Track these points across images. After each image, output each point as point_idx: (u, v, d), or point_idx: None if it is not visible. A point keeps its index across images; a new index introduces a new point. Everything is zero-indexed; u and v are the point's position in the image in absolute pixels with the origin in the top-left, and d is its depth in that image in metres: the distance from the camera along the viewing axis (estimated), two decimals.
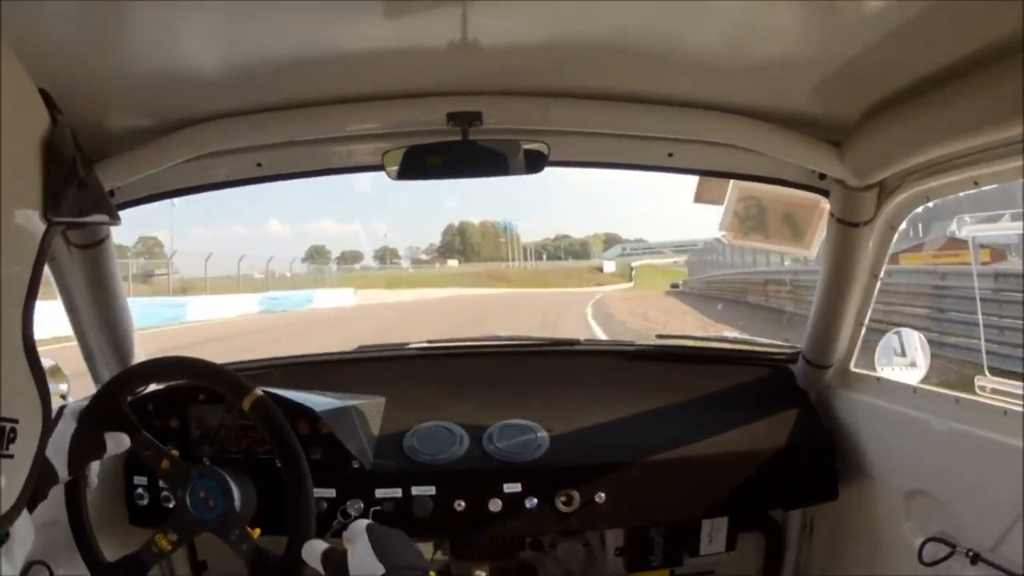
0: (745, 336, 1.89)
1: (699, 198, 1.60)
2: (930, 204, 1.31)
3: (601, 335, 11.53)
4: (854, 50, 0.96)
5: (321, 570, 0.89)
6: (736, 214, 1.53)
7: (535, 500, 1.41)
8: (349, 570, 0.85)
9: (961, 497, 1.22)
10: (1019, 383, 1.24)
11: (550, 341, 1.83)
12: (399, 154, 1.29)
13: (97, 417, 1.08)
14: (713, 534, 1.64)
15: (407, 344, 1.82)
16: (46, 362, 1.33)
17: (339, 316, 18.58)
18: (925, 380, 1.48)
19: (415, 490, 1.41)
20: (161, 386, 1.49)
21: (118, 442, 1.08)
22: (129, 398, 1.46)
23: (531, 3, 0.90)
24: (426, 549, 1.71)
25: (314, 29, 0.95)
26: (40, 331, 0.63)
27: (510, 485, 1.42)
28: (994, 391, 1.27)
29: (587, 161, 1.43)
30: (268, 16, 0.90)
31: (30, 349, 0.61)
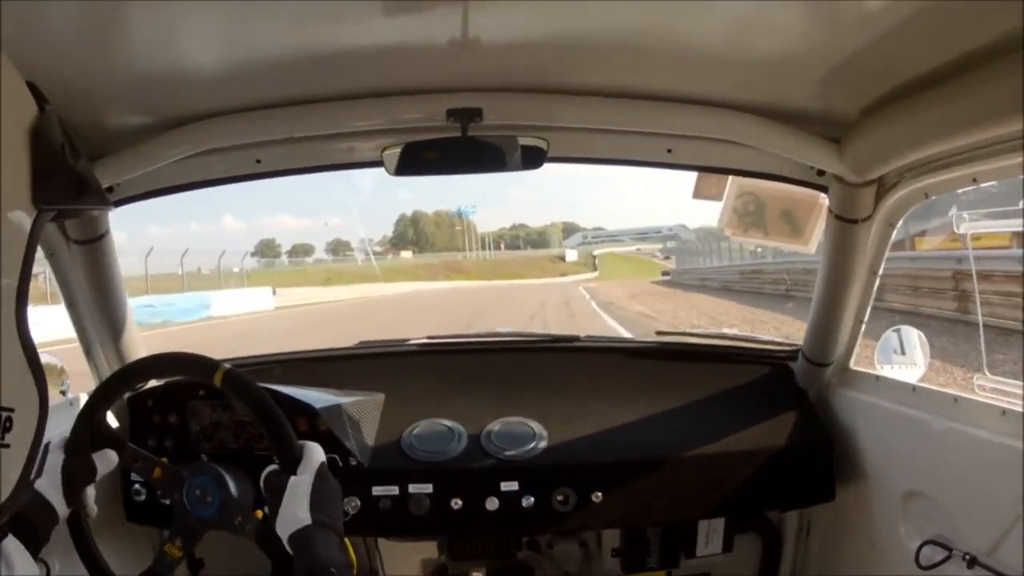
0: (746, 333, 1.88)
1: (698, 194, 1.60)
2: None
3: None
4: (854, 46, 0.96)
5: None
6: (735, 210, 1.53)
7: (532, 499, 1.41)
8: (280, 508, 0.93)
9: (958, 499, 1.22)
10: (1018, 382, 1.24)
11: (551, 338, 1.83)
12: (399, 150, 1.30)
13: (82, 441, 1.07)
14: (710, 535, 1.63)
15: (407, 340, 1.82)
16: (48, 360, 1.34)
17: (219, 336, 13.08)
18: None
19: (412, 488, 1.41)
20: (159, 384, 1.49)
21: (107, 460, 1.08)
22: (128, 395, 1.47)
23: (531, 1, 0.90)
24: (424, 548, 1.71)
25: (314, 26, 0.95)
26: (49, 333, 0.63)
27: (507, 484, 1.41)
28: (993, 390, 1.27)
29: (586, 157, 1.43)
30: (267, 13, 0.90)
31: (24, 337, 0.61)
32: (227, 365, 1.02)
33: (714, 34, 0.99)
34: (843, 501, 1.50)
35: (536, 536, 1.68)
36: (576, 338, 1.81)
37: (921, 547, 1.27)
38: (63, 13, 0.83)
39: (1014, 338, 6.44)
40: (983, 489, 1.16)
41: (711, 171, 1.52)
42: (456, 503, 1.41)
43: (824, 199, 1.42)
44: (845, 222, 1.36)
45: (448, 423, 1.51)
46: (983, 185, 1.15)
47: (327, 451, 1.37)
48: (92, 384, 1.48)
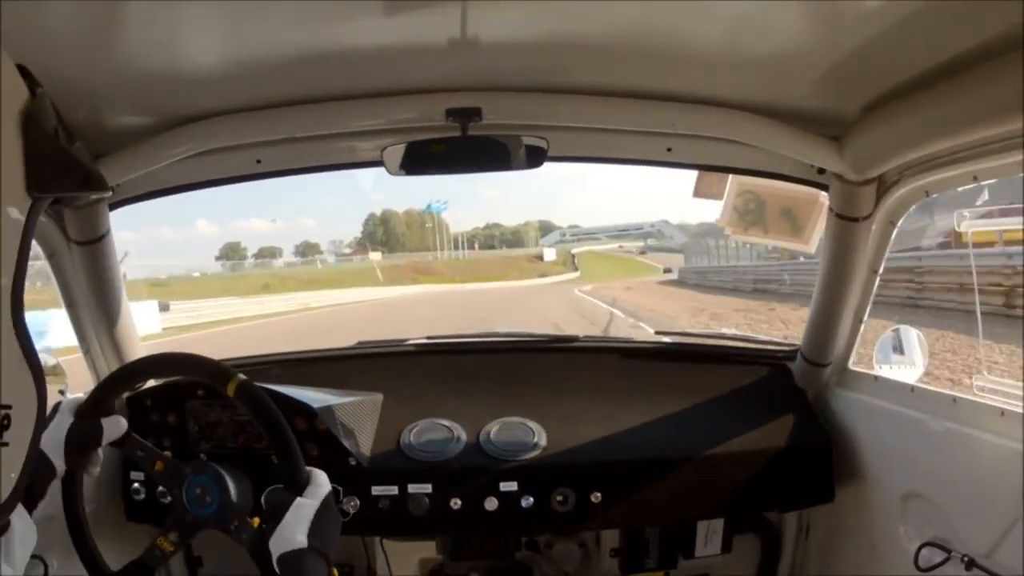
0: (744, 333, 1.88)
1: (698, 193, 1.60)
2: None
3: None
4: (853, 45, 0.96)
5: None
6: (735, 209, 1.53)
7: (531, 499, 1.41)
8: (279, 526, 0.93)
9: (957, 500, 1.21)
10: (1017, 382, 1.24)
11: (550, 338, 1.83)
12: (399, 150, 1.30)
13: (95, 407, 1.08)
14: (709, 536, 1.63)
15: (406, 340, 1.82)
16: (45, 359, 1.34)
17: None
18: None
19: (411, 488, 1.41)
20: (159, 383, 1.49)
21: (116, 427, 1.08)
22: (127, 394, 1.47)
23: (530, 0, 0.90)
24: (423, 548, 1.71)
25: (314, 26, 0.96)
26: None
27: (507, 484, 1.41)
28: (992, 390, 1.26)
29: (586, 156, 1.43)
30: (268, 13, 0.90)
31: (21, 333, 0.60)
32: (242, 376, 1.02)
33: (714, 33, 0.99)
34: (842, 502, 1.50)
35: (535, 536, 1.68)
36: (575, 338, 1.81)
37: (920, 548, 1.27)
38: (63, 13, 0.83)
39: None
40: (982, 490, 1.16)
41: (711, 170, 1.52)
42: (455, 503, 1.40)
43: (824, 197, 1.42)
44: (846, 220, 1.36)
45: (447, 423, 1.51)
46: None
47: (325, 450, 1.39)
48: (92, 385, 1.48)
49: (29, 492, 0.94)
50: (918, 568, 1.26)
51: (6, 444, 0.57)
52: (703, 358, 1.75)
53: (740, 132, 1.27)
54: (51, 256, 1.38)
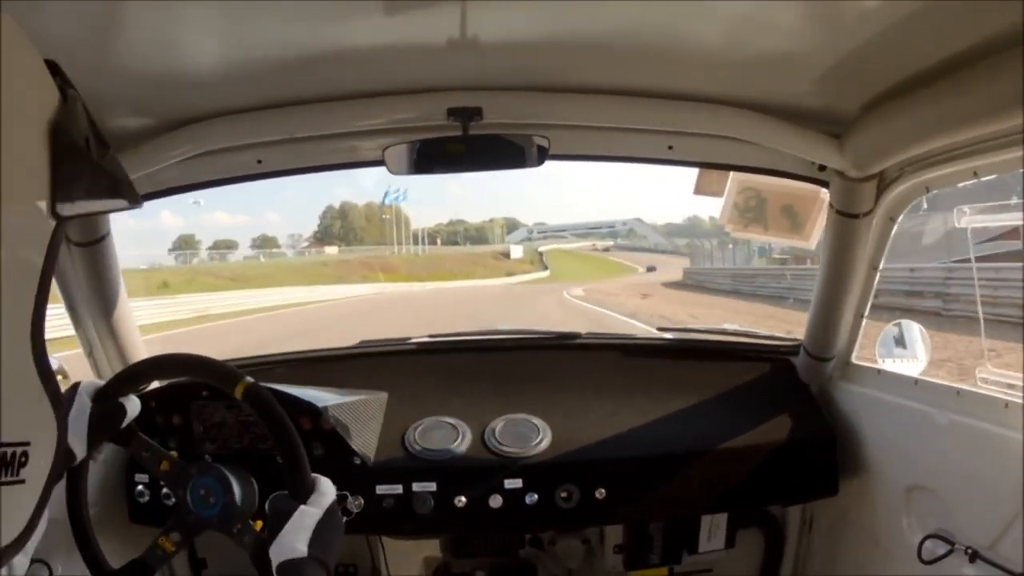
0: (746, 328, 1.88)
1: (699, 190, 1.60)
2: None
3: None
4: (854, 43, 0.96)
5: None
6: (736, 206, 1.53)
7: (536, 496, 1.42)
8: (280, 532, 0.91)
9: (961, 492, 1.22)
10: (1019, 374, 1.24)
11: (552, 335, 1.83)
12: (400, 149, 1.30)
13: (114, 391, 1.07)
14: (712, 531, 1.64)
15: (409, 339, 1.82)
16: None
17: None
18: None
19: (416, 486, 1.41)
20: (163, 384, 1.49)
21: (135, 407, 1.07)
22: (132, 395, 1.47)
23: (530, 0, 0.90)
24: (426, 546, 1.71)
25: (315, 26, 0.95)
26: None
27: (511, 481, 1.42)
28: (996, 382, 1.27)
29: (587, 155, 1.44)
30: (269, 14, 0.90)
31: (41, 364, 0.55)
32: (250, 379, 1.02)
33: (714, 32, 0.99)
34: (846, 495, 1.51)
35: (539, 533, 1.68)
36: (578, 335, 1.81)
37: (923, 541, 1.27)
38: (63, 13, 0.83)
39: None
40: (985, 483, 1.16)
41: (712, 167, 1.53)
42: (460, 501, 1.41)
43: (825, 194, 1.42)
44: (846, 217, 1.36)
45: (451, 421, 1.51)
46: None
47: (330, 449, 1.39)
48: None
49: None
50: (922, 560, 1.26)
51: (23, 481, 0.53)
52: (706, 354, 1.76)
53: (741, 130, 1.27)
54: None
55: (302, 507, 0.94)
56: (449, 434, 1.48)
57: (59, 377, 1.40)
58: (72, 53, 0.93)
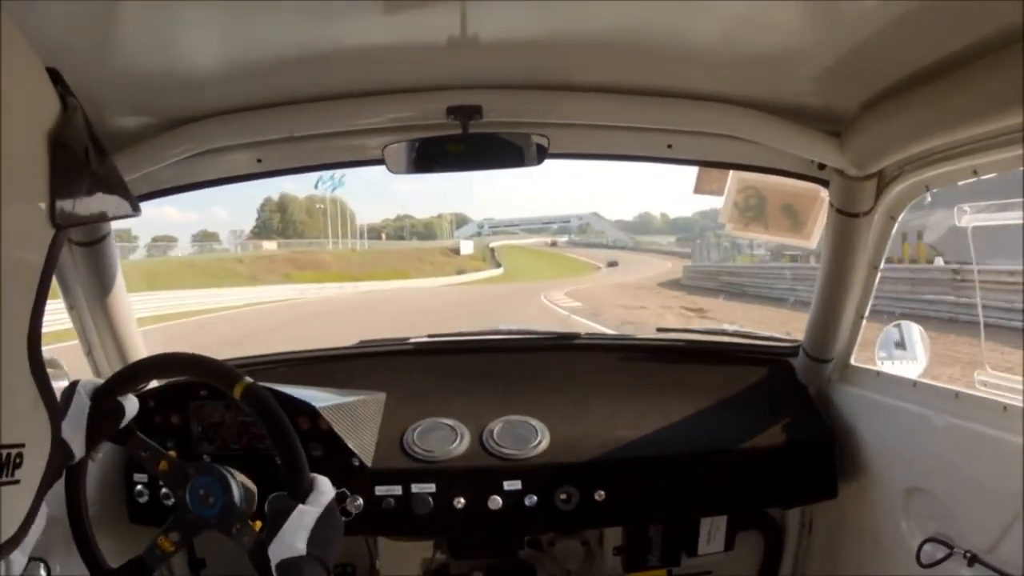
0: (745, 329, 1.88)
1: (699, 189, 1.60)
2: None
3: None
4: (853, 42, 0.96)
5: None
6: (736, 205, 1.53)
7: (535, 498, 1.41)
8: (279, 532, 0.92)
9: (960, 495, 1.22)
10: (1019, 377, 1.24)
11: (552, 335, 1.83)
12: (400, 148, 1.30)
13: (112, 390, 1.07)
14: (712, 533, 1.63)
15: (407, 339, 1.82)
16: (49, 358, 1.33)
17: None
18: None
19: (415, 487, 1.41)
20: (162, 383, 1.49)
21: (134, 405, 1.07)
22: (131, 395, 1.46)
23: None
24: (425, 547, 1.71)
25: (314, 25, 0.96)
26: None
27: (510, 483, 1.41)
28: (995, 385, 1.26)
29: (587, 153, 1.44)
30: (268, 13, 0.90)
31: (37, 367, 0.56)
32: (249, 379, 1.02)
33: (713, 30, 0.99)
34: (845, 498, 1.50)
35: (538, 535, 1.68)
36: (577, 335, 1.81)
37: (923, 544, 1.27)
38: (62, 13, 0.83)
39: None
40: (984, 485, 1.16)
41: (712, 166, 1.53)
42: (459, 502, 1.40)
43: (825, 193, 1.42)
44: (846, 216, 1.36)
45: (450, 422, 1.50)
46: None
47: (328, 450, 1.38)
48: None
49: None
50: (920, 564, 1.26)
51: (17, 482, 0.54)
52: (705, 355, 1.75)
53: (740, 128, 1.27)
54: None
55: (301, 506, 0.94)
56: (448, 435, 1.48)
57: (52, 370, 1.40)
58: (71, 53, 0.94)
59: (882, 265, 1.44)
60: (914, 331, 1.55)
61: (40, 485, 0.57)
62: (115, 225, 1.44)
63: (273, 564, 0.91)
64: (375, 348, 1.81)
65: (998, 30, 0.85)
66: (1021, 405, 1.12)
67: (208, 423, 1.44)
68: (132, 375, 1.13)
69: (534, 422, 1.50)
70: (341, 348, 1.83)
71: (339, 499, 1.02)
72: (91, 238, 1.37)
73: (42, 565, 1.22)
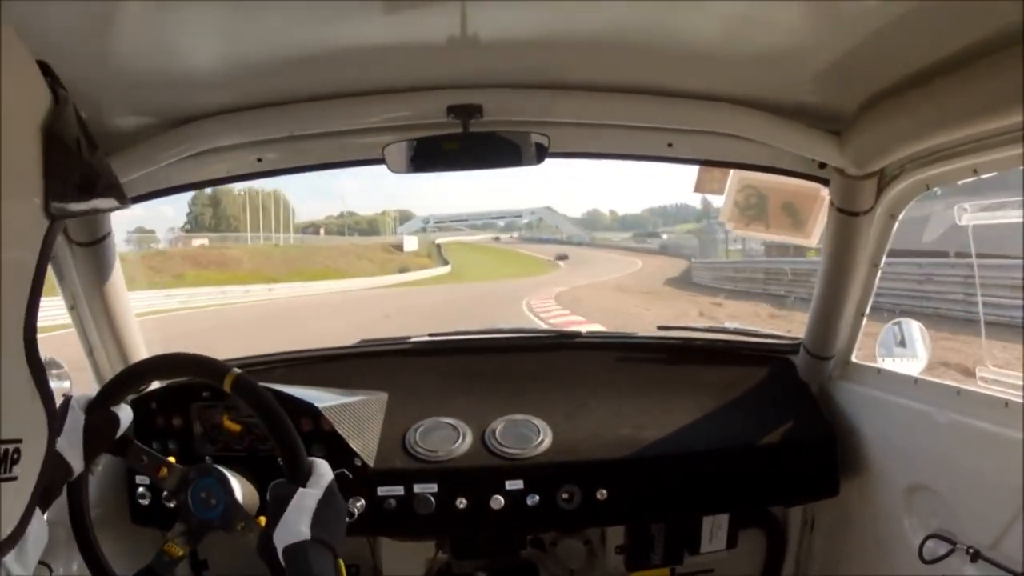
0: (746, 327, 1.88)
1: (699, 188, 1.61)
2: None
3: None
4: (854, 41, 0.96)
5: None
6: (736, 204, 1.53)
7: (537, 497, 1.41)
8: (282, 518, 0.92)
9: (962, 492, 1.22)
10: (1019, 373, 1.24)
11: (553, 334, 1.83)
12: (400, 147, 1.30)
13: (106, 400, 1.07)
14: (714, 531, 1.63)
15: (408, 338, 1.81)
16: (50, 358, 1.33)
17: None
18: None
19: (417, 488, 1.41)
20: (163, 385, 1.49)
21: (128, 415, 1.07)
22: (131, 397, 1.46)
23: None
24: (428, 547, 1.71)
25: (314, 25, 0.95)
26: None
27: (512, 482, 1.41)
28: (996, 382, 1.26)
29: (587, 152, 1.44)
30: (268, 12, 0.90)
31: (34, 362, 0.56)
32: (237, 370, 1.02)
33: (713, 30, 0.99)
34: (847, 495, 1.50)
35: (541, 534, 1.68)
36: (578, 334, 1.81)
37: (925, 540, 1.27)
38: (63, 13, 0.82)
39: None
40: (986, 482, 1.16)
41: (712, 165, 1.53)
42: (461, 502, 1.40)
43: (826, 192, 1.42)
44: (847, 215, 1.36)
45: (452, 421, 1.50)
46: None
47: (330, 450, 1.38)
48: (94, 384, 1.47)
49: (46, 492, 0.92)
50: (923, 560, 1.26)
51: (15, 478, 0.54)
52: (706, 353, 1.75)
53: (741, 127, 1.27)
54: (52, 257, 1.37)
55: (301, 490, 0.94)
56: (449, 435, 1.48)
57: (53, 370, 1.40)
58: (71, 53, 0.93)
59: (882, 263, 1.44)
60: (914, 329, 1.55)
61: (36, 483, 0.57)
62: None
63: (279, 551, 0.91)
64: (375, 347, 1.81)
65: (998, 30, 0.85)
66: (1022, 401, 1.12)
67: (210, 424, 1.44)
68: (123, 383, 1.13)
69: (536, 421, 1.50)
70: (341, 348, 1.83)
71: (339, 480, 1.01)
72: (91, 238, 1.37)
73: (46, 568, 1.21)
